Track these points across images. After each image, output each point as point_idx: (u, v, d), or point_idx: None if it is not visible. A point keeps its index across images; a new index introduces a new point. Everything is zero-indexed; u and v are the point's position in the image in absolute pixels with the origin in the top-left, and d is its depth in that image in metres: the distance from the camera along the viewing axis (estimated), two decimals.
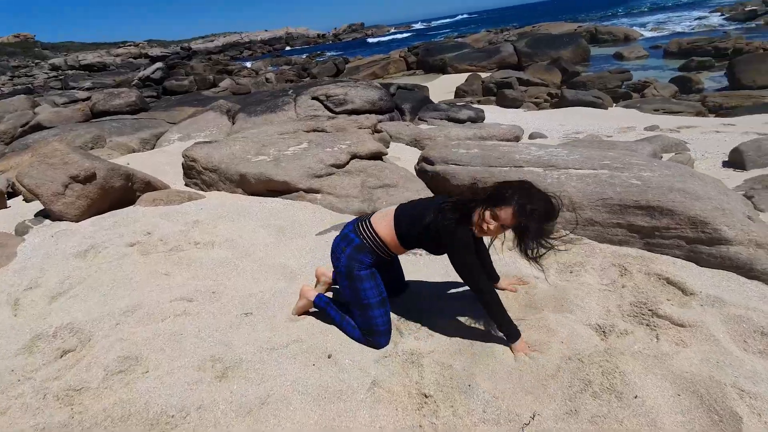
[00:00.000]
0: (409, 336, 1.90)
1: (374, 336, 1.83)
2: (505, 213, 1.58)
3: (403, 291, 2.23)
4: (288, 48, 60.98)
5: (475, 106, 10.86)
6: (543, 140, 7.23)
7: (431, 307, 2.05)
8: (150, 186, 4.32)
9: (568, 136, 7.31)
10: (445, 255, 1.74)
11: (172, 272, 2.63)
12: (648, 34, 25.56)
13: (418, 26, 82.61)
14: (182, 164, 5.08)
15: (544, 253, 1.61)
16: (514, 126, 7.71)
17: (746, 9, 24.77)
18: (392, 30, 77.98)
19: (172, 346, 1.85)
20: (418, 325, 1.96)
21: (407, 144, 7.28)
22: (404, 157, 5.93)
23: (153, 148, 8.13)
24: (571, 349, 1.62)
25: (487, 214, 1.61)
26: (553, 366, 1.54)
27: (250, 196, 4.32)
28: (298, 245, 3.10)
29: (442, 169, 4.20)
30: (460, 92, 15.39)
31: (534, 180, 3.15)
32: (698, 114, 9.72)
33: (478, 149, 4.24)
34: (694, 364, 1.51)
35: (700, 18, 27.36)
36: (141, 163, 5.40)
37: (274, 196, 4.20)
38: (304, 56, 35.90)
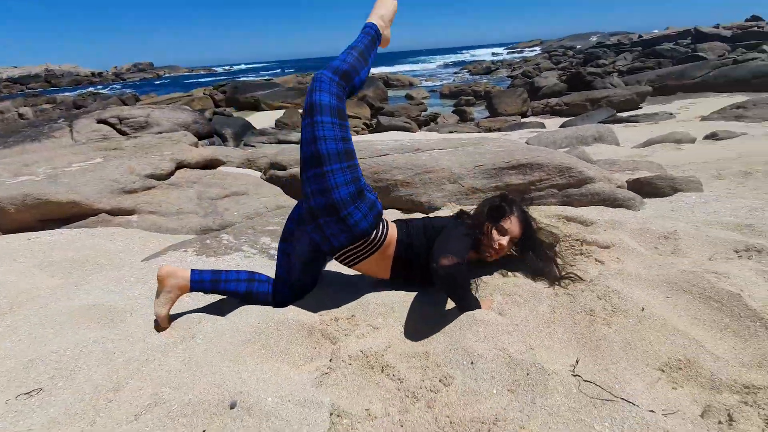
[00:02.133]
0: (346, 337, 1.29)
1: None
2: (513, 224, 1.47)
3: (313, 286, 1.62)
4: (51, 88, 47.66)
5: None
6: None
7: (359, 294, 1.50)
8: None
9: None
10: None
11: None
12: (425, 83, 31.66)
13: (219, 70, 79.64)
14: None
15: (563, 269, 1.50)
16: None
17: (483, 66, 34.03)
18: (189, 72, 72.72)
19: None
20: (352, 319, 1.37)
21: (238, 166, 6.40)
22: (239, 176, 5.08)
23: None
24: (551, 289, 1.35)
25: (494, 231, 1.45)
26: (546, 310, 1.23)
27: (7, 235, 2.75)
28: (115, 277, 2.02)
29: (298, 170, 3.67)
30: (280, 124, 15.09)
31: (410, 161, 3.00)
32: (479, 132, 12.13)
33: None
34: (647, 270, 1.45)
35: (455, 73, 35.58)
36: None
37: (54, 228, 2.78)
38: (75, 93, 29.10)
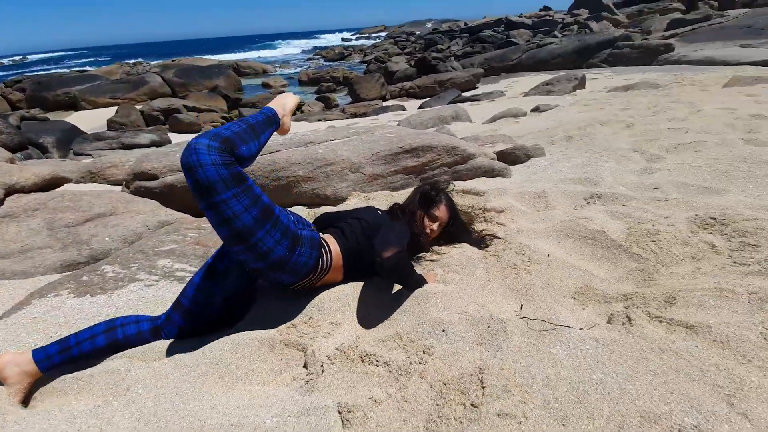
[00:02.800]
0: (313, 340, 1.30)
1: None
2: (442, 211, 1.66)
3: (240, 319, 1.53)
4: None
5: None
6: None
7: (307, 298, 1.50)
8: None
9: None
10: None
11: None
12: (280, 70, 30.66)
13: (6, 62, 61.87)
14: None
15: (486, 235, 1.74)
16: None
17: (336, 52, 34.46)
18: None
19: None
20: (310, 322, 1.38)
21: (77, 182, 5.29)
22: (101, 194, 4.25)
23: None
24: (478, 254, 1.58)
25: (426, 218, 1.63)
26: (481, 272, 1.45)
27: None
28: None
29: (176, 178, 3.26)
30: (115, 125, 12.79)
31: (308, 155, 2.97)
32: (348, 118, 12.41)
33: None
34: (536, 225, 1.82)
35: (309, 59, 35.17)
36: None
37: None
38: None
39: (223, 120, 13.41)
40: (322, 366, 1.16)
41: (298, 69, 29.34)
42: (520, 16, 29.38)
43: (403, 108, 12.10)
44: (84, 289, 2.02)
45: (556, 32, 21.08)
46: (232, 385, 1.19)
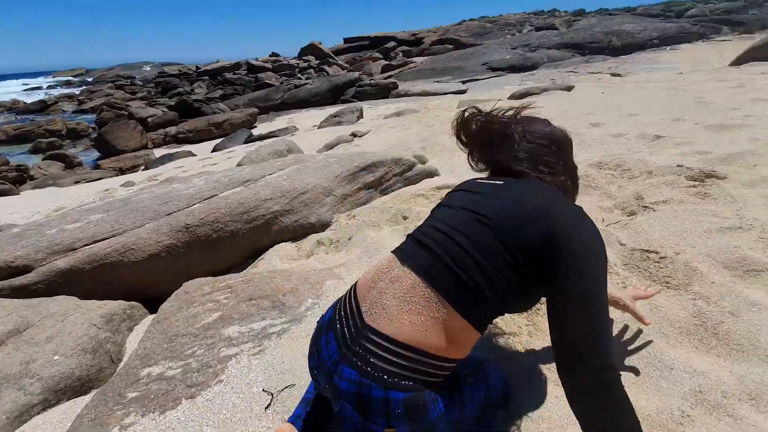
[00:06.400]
0: None
1: None
2: None
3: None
4: None
5: None
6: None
7: None
8: None
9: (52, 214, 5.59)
10: None
11: None
12: None
13: None
14: None
15: None
16: None
17: (34, 102, 26.57)
18: None
19: None
20: None
21: None
22: None
23: None
24: None
25: None
26: None
27: None
28: None
29: (73, 260, 2.47)
30: None
31: (278, 188, 2.85)
32: (117, 175, 10.25)
33: (102, 213, 2.78)
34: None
35: None
36: None
37: None
38: None
39: None
40: None
41: None
42: (257, 60, 31.18)
43: (190, 153, 11.04)
44: (162, 401, 1.49)
45: (299, 75, 23.72)
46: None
